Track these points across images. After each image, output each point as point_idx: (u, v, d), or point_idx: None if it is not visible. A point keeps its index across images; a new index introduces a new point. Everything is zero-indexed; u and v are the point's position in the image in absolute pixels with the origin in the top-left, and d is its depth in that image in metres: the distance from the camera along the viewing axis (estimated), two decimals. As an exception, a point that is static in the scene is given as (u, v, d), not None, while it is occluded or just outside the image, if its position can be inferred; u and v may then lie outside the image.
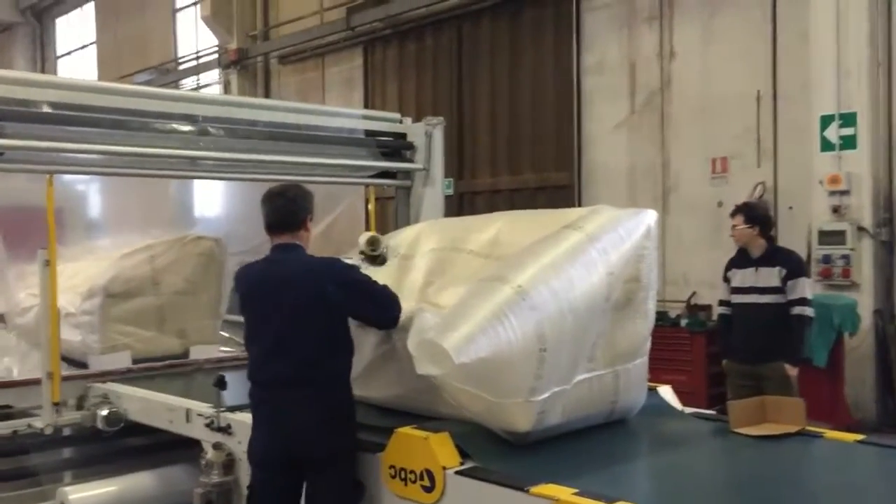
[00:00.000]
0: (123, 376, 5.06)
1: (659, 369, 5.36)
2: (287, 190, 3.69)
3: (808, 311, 5.52)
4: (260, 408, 3.49)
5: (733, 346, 5.78)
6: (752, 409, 3.77)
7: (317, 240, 5.87)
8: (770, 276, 5.55)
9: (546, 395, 3.13)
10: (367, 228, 6.23)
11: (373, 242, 4.19)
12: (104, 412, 4.63)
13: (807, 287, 5.55)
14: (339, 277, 3.46)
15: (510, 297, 3.04)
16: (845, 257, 7.74)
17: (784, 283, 5.50)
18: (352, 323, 3.55)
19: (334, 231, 6.09)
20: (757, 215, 5.79)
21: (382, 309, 3.49)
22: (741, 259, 5.75)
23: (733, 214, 5.80)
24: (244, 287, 3.64)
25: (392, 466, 3.23)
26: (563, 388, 3.23)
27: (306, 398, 3.36)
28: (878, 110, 7.81)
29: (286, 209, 3.59)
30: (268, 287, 3.49)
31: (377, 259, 4.15)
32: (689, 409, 4.03)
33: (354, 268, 3.64)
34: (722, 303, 5.95)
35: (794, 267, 5.59)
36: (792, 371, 5.47)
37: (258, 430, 3.49)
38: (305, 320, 3.39)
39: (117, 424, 4.65)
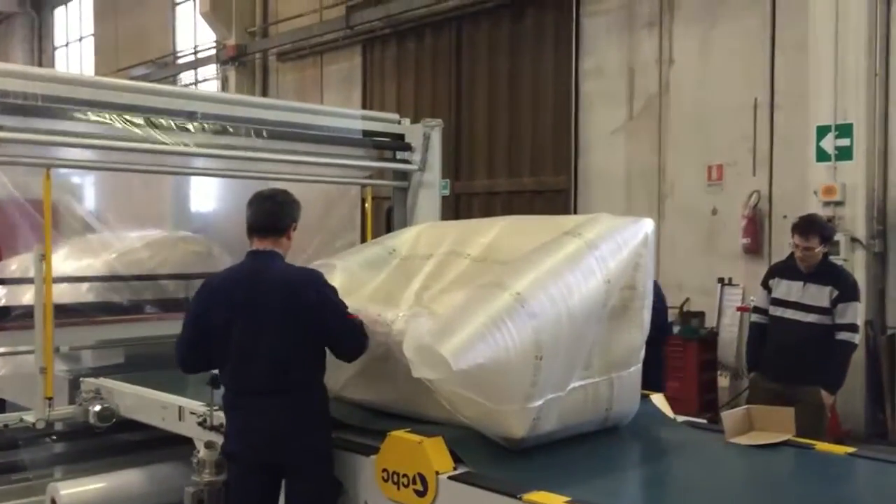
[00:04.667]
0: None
1: (651, 375, 5.25)
2: (277, 194, 3.66)
3: (856, 339, 5.12)
4: (234, 412, 3.50)
5: (765, 362, 5.32)
6: (744, 418, 3.79)
7: (313, 238, 5.97)
8: (820, 294, 5.05)
9: (541, 401, 3.14)
10: (363, 228, 6.25)
11: None
12: (96, 408, 4.62)
13: (858, 312, 5.10)
14: (321, 292, 3.45)
15: (509, 303, 3.05)
16: (838, 268, 7.74)
17: (833, 305, 5.02)
18: None
19: (329, 228, 6.10)
20: (831, 234, 5.28)
21: (351, 339, 3.48)
22: (789, 269, 5.23)
23: (805, 233, 5.10)
24: (212, 293, 3.53)
25: (385, 469, 3.23)
26: (558, 395, 3.25)
27: (281, 404, 3.39)
28: (875, 122, 7.82)
29: (274, 213, 3.56)
30: (242, 294, 3.43)
31: None
32: (681, 418, 4.05)
33: (334, 288, 3.58)
34: (758, 310, 5.43)
35: (848, 290, 5.09)
36: (828, 399, 5.07)
37: (233, 432, 3.51)
38: (284, 328, 3.38)
39: (109, 420, 4.63)
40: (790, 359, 5.13)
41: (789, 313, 5.19)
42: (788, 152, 8.65)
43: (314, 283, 3.50)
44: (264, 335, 3.38)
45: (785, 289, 5.22)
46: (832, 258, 6.87)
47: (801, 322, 5.12)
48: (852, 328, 5.07)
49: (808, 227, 5.20)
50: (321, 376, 3.55)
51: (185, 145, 4.94)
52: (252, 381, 3.42)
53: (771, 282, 5.34)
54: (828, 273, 5.17)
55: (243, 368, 3.42)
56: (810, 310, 5.10)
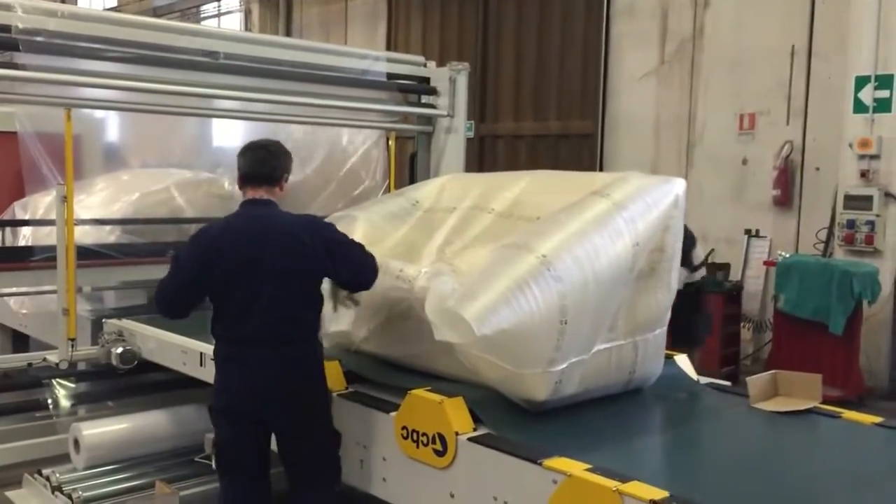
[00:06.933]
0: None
1: (675, 328, 5.26)
2: (270, 143, 3.60)
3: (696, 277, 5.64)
4: (231, 363, 3.40)
5: None
6: (770, 383, 3.73)
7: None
8: None
9: (564, 365, 3.09)
10: (388, 170, 6.17)
11: None
12: (118, 350, 4.66)
13: (697, 256, 5.63)
14: (322, 236, 3.40)
15: (534, 266, 2.98)
16: (870, 223, 7.58)
17: None
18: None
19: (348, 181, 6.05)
20: None
21: (360, 271, 3.44)
22: None
23: None
24: (212, 242, 3.42)
25: (405, 427, 3.21)
26: (582, 359, 3.20)
27: (284, 355, 3.33)
28: (917, 74, 7.56)
29: (268, 162, 3.49)
30: (244, 243, 3.34)
31: None
32: (704, 379, 4.00)
33: (333, 226, 3.54)
34: None
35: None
36: None
37: (230, 384, 3.41)
38: (285, 277, 3.32)
39: (131, 363, 4.67)
40: None
41: None
42: (824, 102, 8.40)
43: (315, 225, 3.47)
44: (268, 285, 3.30)
45: None
46: (870, 214, 7.46)
47: None
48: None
49: None
50: (318, 329, 3.52)
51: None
52: (254, 332, 3.33)
53: None
54: None
55: (244, 319, 3.33)
56: None
